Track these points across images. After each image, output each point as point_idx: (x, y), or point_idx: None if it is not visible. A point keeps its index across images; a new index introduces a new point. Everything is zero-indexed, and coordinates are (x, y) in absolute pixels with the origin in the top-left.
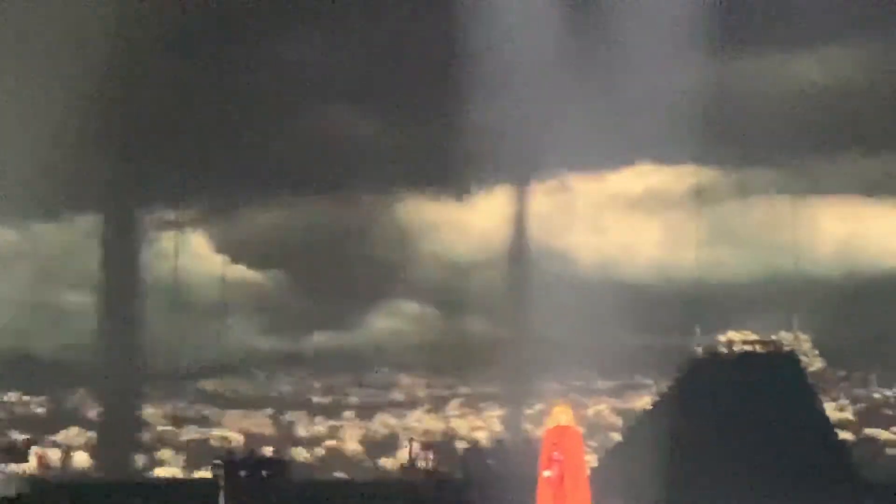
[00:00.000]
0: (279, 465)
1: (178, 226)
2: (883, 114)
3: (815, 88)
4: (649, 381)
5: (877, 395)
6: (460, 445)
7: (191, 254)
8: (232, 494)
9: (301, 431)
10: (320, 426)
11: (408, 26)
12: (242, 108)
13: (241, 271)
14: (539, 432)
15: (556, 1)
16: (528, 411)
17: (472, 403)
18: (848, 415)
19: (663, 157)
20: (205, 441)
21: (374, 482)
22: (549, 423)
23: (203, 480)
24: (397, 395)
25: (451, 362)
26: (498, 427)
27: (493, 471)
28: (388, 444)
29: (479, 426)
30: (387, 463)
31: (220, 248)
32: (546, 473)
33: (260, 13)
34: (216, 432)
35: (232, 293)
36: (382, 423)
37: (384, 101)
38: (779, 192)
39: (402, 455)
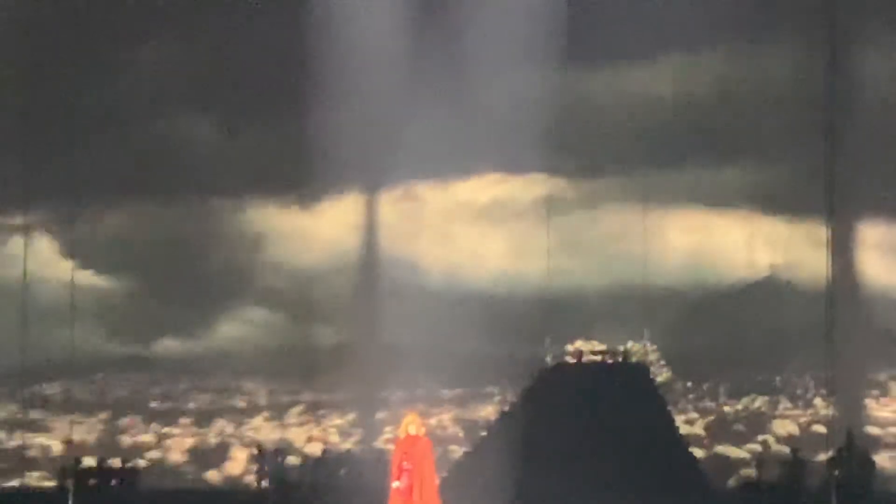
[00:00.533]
0: (130, 473)
1: (24, 230)
2: (730, 126)
3: (662, 100)
4: (495, 391)
5: (727, 409)
6: (311, 454)
7: (37, 258)
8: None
9: (126, 439)
10: (149, 434)
11: (256, 32)
12: (90, 112)
13: (87, 276)
14: (384, 441)
15: (405, 9)
16: (378, 418)
17: (313, 411)
18: (698, 429)
19: (511, 166)
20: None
21: (224, 491)
22: (399, 432)
23: (51, 489)
24: (239, 402)
25: (297, 369)
26: (337, 437)
27: (344, 480)
28: (220, 453)
29: (319, 435)
30: (214, 474)
31: (67, 253)
32: (396, 484)
33: (110, 18)
34: (39, 440)
35: (79, 298)
36: (218, 430)
37: (231, 107)
38: (627, 204)
39: (235, 465)
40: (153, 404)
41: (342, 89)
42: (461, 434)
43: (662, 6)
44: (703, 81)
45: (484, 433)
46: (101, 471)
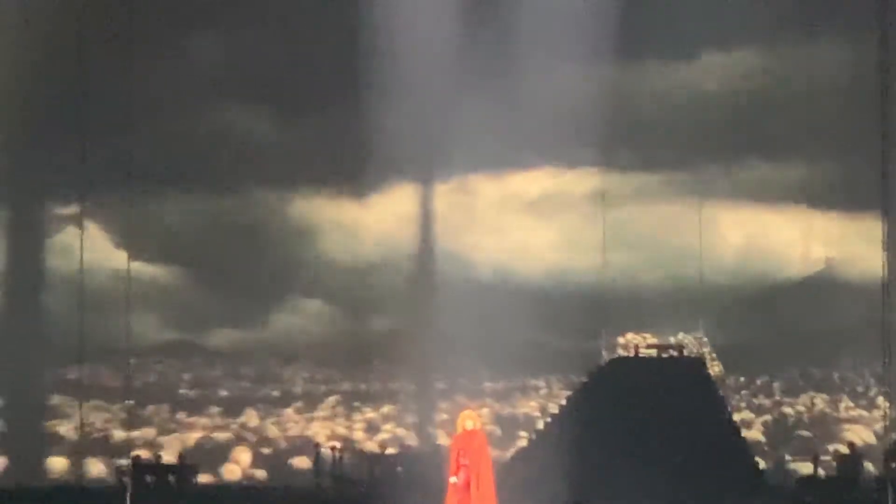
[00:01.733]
0: (186, 469)
1: (79, 218)
2: (784, 122)
3: (714, 95)
4: (541, 384)
5: (787, 409)
6: (368, 450)
7: (92, 247)
8: (138, 500)
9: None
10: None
11: (311, 22)
12: (145, 101)
13: (140, 266)
14: (443, 436)
15: (459, 1)
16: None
17: (367, 401)
18: (757, 433)
19: (564, 160)
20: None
21: (282, 487)
22: (456, 427)
23: (108, 485)
24: (297, 390)
25: (347, 359)
26: (401, 429)
27: (401, 476)
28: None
29: (377, 426)
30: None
31: (122, 242)
32: (453, 479)
33: (164, 10)
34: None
35: (134, 288)
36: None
37: (285, 99)
38: (680, 199)
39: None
40: (220, 393)
41: (397, 82)
42: (502, 430)
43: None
44: (756, 77)
45: (540, 428)
46: (158, 466)
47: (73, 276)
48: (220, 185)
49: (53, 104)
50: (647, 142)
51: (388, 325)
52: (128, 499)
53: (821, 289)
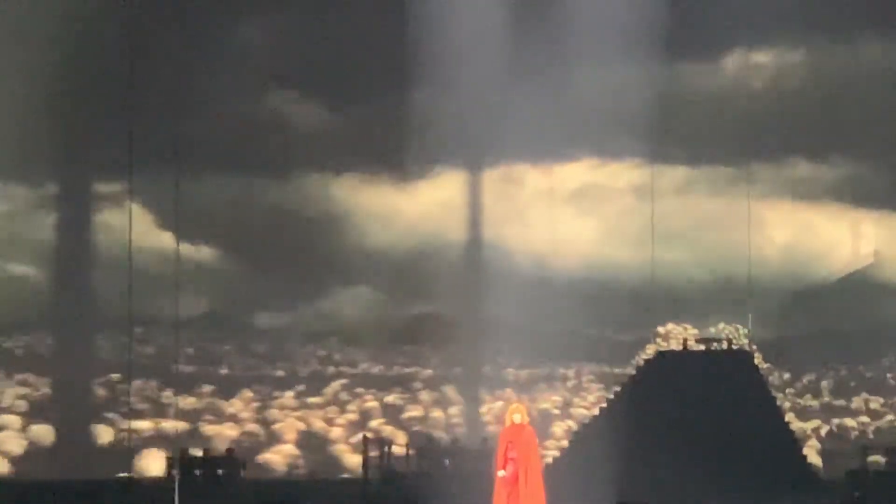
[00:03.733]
0: (234, 463)
1: (128, 198)
2: (831, 120)
3: (762, 92)
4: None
5: (838, 403)
6: (415, 443)
7: (139, 227)
8: (187, 493)
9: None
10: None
11: (360, 11)
12: (194, 84)
13: (186, 247)
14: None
15: None
16: (485, 405)
17: (431, 385)
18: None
19: (611, 153)
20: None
21: (329, 480)
22: (505, 421)
23: (156, 479)
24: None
25: (394, 347)
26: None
27: (449, 469)
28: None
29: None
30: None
31: (169, 223)
32: (501, 473)
33: None
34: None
35: (180, 268)
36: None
37: (334, 86)
38: (727, 194)
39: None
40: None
41: (445, 71)
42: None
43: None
44: (804, 75)
45: (588, 421)
46: (207, 460)
47: (119, 254)
48: (266, 169)
49: (102, 83)
50: (693, 138)
51: (432, 313)
52: (176, 491)
53: (866, 287)
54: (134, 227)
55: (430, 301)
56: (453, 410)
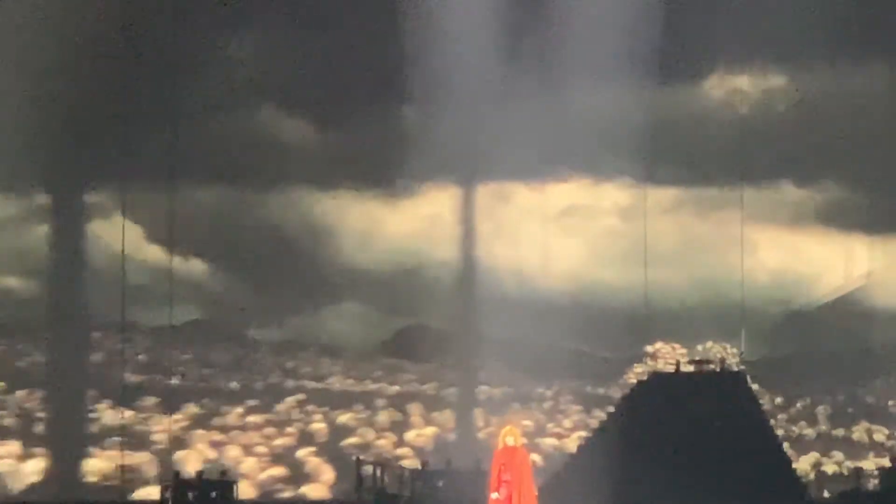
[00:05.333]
0: (228, 486)
1: (121, 210)
2: (822, 144)
3: (754, 116)
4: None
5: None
6: (409, 465)
7: (131, 240)
8: None
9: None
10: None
11: (351, 31)
12: (186, 98)
13: (177, 260)
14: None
15: (501, 11)
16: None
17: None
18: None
19: (602, 173)
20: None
21: (326, 501)
22: (498, 443)
23: (150, 502)
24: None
25: (383, 365)
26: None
27: (442, 492)
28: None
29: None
30: None
31: (161, 236)
32: (495, 495)
33: (204, 10)
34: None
35: (172, 279)
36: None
37: (326, 103)
38: (719, 217)
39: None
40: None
41: (437, 90)
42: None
43: (759, 23)
44: (796, 99)
45: (582, 442)
46: (200, 482)
47: (111, 265)
48: (260, 184)
49: (95, 95)
50: (683, 160)
51: (416, 328)
52: None
53: (857, 310)
54: (127, 240)
55: (414, 317)
56: (412, 434)
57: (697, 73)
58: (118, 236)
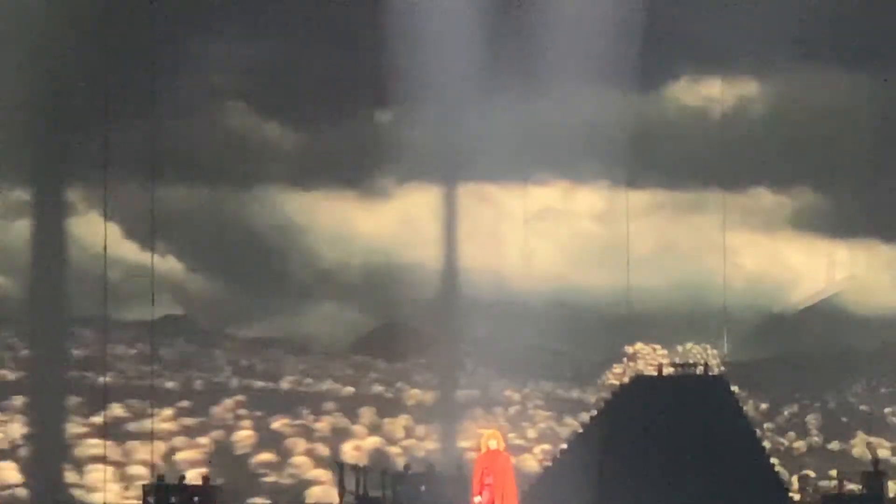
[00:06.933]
0: (210, 491)
1: (101, 209)
2: (801, 151)
3: (734, 121)
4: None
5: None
6: (391, 468)
7: (113, 238)
8: None
9: None
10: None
11: (328, 32)
12: (166, 100)
13: (145, 255)
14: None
15: (483, 15)
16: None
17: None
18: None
19: (581, 176)
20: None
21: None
22: (480, 447)
23: None
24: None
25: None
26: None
27: (424, 496)
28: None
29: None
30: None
31: (140, 234)
32: (477, 499)
33: (183, 12)
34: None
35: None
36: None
37: (306, 105)
38: (700, 221)
39: None
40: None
41: (418, 92)
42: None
43: (738, 29)
44: (777, 105)
45: (564, 446)
46: (182, 488)
47: (92, 262)
48: (240, 185)
49: (77, 95)
50: (660, 165)
51: (392, 328)
52: None
53: (838, 315)
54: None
55: (389, 316)
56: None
57: (674, 79)
58: (99, 234)
